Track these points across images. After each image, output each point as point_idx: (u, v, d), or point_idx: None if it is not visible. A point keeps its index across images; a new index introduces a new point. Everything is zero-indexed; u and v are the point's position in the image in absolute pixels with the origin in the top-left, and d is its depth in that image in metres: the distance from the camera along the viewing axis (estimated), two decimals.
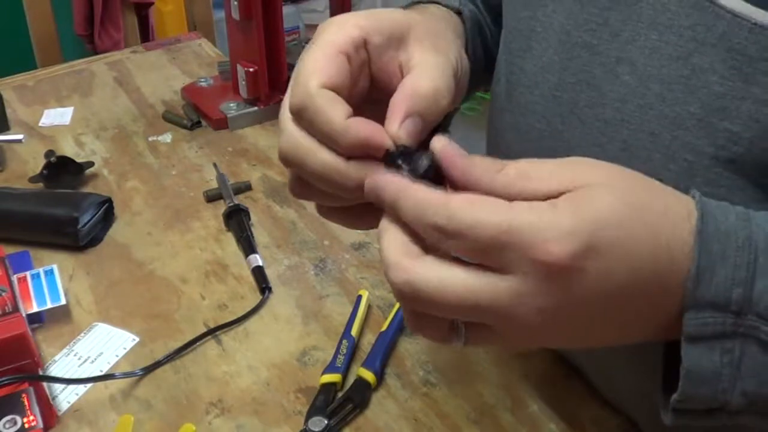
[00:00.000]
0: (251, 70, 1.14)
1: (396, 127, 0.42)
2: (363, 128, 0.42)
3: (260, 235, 0.94)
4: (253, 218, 0.96)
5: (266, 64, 1.14)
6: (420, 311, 0.40)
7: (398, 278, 0.38)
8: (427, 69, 0.45)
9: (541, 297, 0.37)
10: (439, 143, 0.40)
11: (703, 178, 0.47)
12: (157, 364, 0.76)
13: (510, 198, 0.38)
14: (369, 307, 0.82)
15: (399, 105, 0.43)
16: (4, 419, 0.64)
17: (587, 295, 0.38)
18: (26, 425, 0.64)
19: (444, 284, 0.38)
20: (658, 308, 0.40)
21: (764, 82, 0.44)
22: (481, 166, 0.39)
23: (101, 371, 0.76)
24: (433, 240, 0.38)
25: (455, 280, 0.38)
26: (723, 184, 0.47)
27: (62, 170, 1.00)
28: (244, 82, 1.15)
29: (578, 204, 0.37)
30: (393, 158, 0.42)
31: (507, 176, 0.39)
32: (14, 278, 0.79)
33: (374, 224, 0.43)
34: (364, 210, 0.45)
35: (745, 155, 0.45)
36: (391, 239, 0.40)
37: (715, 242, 0.39)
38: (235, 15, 1.10)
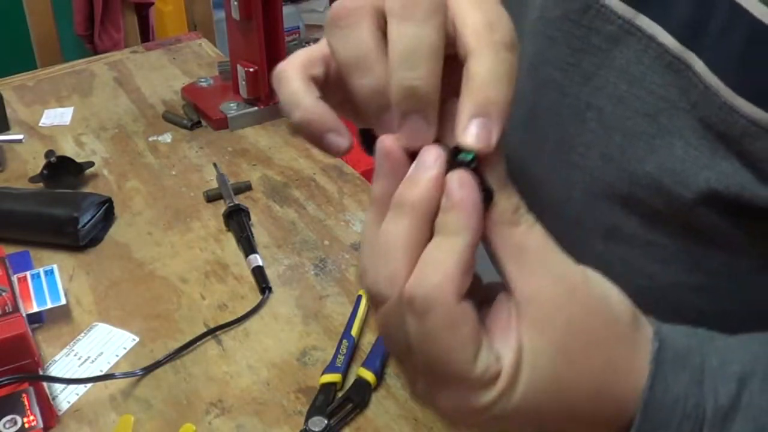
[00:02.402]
0: (251, 70, 1.14)
1: (460, 129, 0.35)
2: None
3: (260, 235, 0.94)
4: (253, 218, 0.96)
5: (266, 64, 1.14)
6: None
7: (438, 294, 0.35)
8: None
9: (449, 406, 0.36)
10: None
11: (662, 232, 0.46)
12: (157, 364, 0.76)
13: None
14: (369, 307, 0.82)
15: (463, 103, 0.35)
16: (4, 419, 0.64)
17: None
18: (26, 425, 0.64)
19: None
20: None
21: (732, 158, 0.42)
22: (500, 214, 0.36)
23: (101, 371, 0.76)
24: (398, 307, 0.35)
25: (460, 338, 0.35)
26: (678, 241, 0.46)
27: (62, 170, 1.00)
28: (244, 82, 1.15)
29: (520, 372, 0.35)
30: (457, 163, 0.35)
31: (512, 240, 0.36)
32: (14, 278, 0.79)
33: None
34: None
35: (697, 220, 0.44)
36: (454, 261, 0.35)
37: (661, 410, 0.37)
38: (235, 15, 1.10)
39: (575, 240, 0.50)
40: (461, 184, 0.34)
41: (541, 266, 0.35)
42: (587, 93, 0.49)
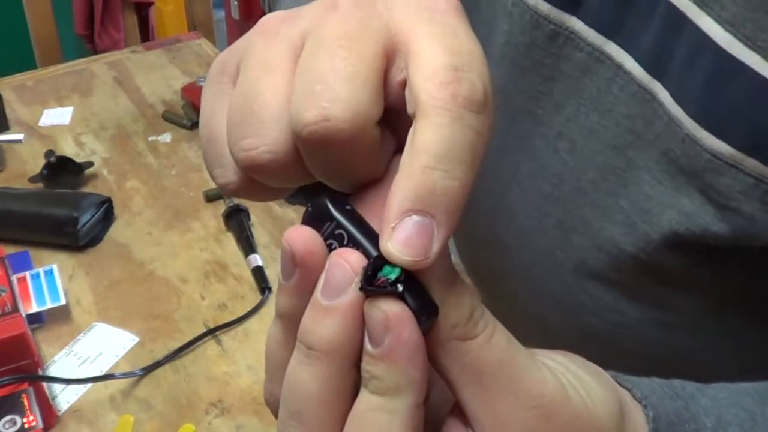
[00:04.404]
0: None
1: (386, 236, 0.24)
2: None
3: (260, 235, 0.94)
4: (253, 218, 0.96)
5: None
6: None
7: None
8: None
9: None
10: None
11: (628, 271, 0.45)
12: (157, 364, 0.76)
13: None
14: None
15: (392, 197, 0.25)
16: (4, 419, 0.64)
17: None
18: (26, 425, 0.64)
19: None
20: None
21: (694, 195, 0.40)
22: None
23: (101, 371, 0.76)
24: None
25: None
26: (644, 280, 0.44)
27: (62, 170, 1.00)
28: None
29: None
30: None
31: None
32: (14, 278, 0.79)
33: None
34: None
35: (660, 262, 0.42)
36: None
37: None
38: (235, 15, 1.10)
39: (546, 271, 0.49)
40: (387, 325, 0.24)
41: (507, 389, 0.27)
42: (559, 122, 0.47)
